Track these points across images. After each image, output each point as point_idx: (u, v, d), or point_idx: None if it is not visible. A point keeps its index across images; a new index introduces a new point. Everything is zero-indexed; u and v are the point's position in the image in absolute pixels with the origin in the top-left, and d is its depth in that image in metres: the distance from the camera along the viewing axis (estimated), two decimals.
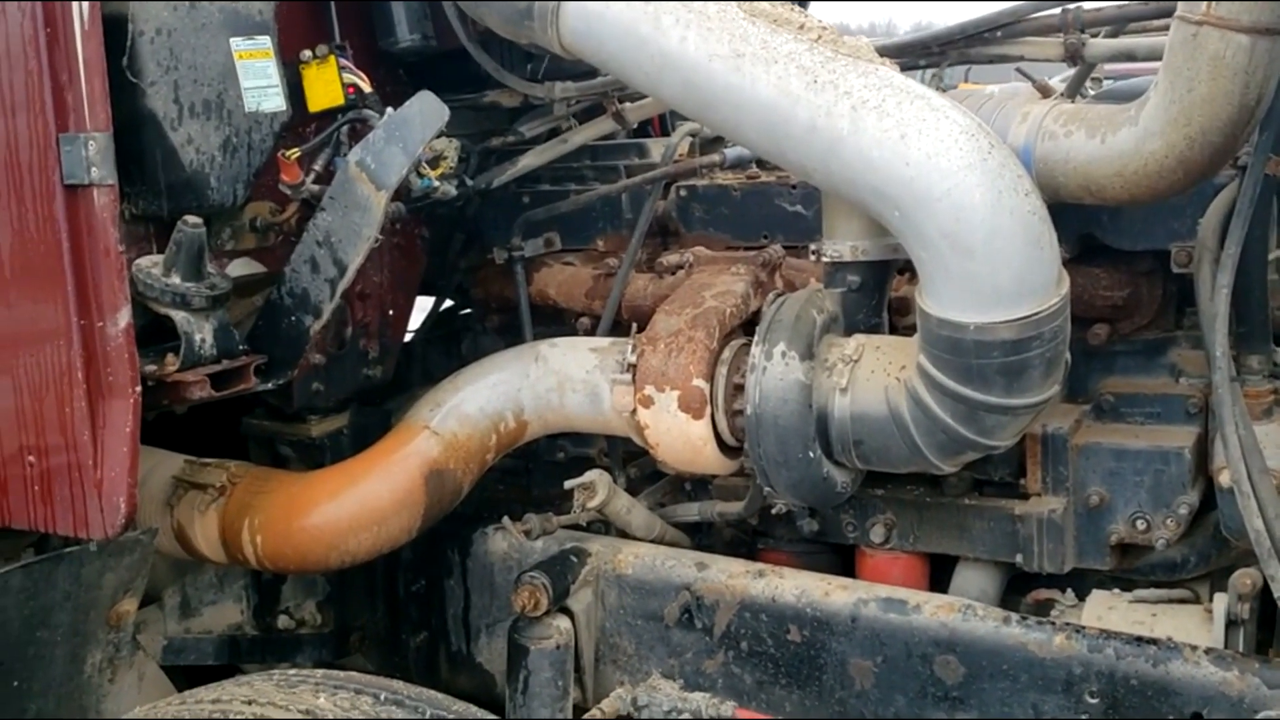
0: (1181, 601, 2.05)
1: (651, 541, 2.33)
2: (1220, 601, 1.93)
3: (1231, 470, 1.75)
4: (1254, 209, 1.74)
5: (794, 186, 2.39)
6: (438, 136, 2.05)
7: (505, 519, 2.22)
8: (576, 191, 2.59)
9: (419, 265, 2.52)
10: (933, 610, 1.99)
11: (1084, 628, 1.90)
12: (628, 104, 2.41)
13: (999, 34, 1.90)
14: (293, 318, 2.05)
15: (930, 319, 1.79)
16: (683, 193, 2.51)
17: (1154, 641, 1.84)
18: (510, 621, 2.19)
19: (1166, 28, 1.74)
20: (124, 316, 1.83)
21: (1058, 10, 1.87)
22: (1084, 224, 2.00)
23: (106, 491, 1.85)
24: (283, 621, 2.50)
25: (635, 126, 2.51)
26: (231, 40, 2.02)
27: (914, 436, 1.88)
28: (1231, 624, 1.92)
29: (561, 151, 2.45)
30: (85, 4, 1.77)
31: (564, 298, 2.58)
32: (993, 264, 1.69)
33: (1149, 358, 2.15)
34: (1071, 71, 1.97)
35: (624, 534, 2.31)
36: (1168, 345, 2.15)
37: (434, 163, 2.17)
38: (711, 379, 2.05)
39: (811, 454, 1.94)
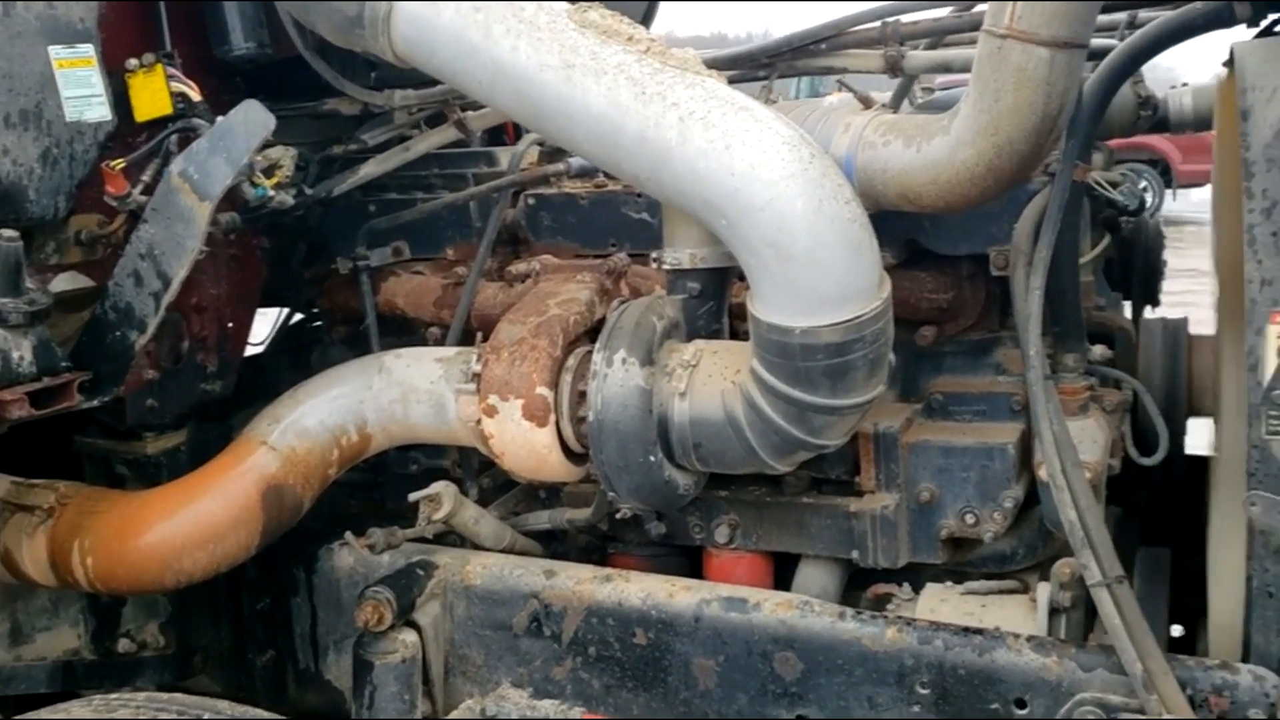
0: (1010, 592, 2.14)
1: (502, 551, 2.33)
2: (1043, 590, 2.01)
3: (1046, 464, 1.83)
4: (1063, 213, 1.83)
5: (640, 195, 2.42)
6: (269, 145, 2.02)
7: (348, 534, 2.19)
8: (424, 200, 2.57)
9: (259, 277, 2.47)
10: (772, 608, 2.03)
11: (914, 620, 1.96)
12: (470, 112, 2.40)
13: (824, 46, 1.96)
14: (117, 333, 1.99)
15: (760, 324, 1.83)
16: (531, 201, 2.52)
17: (980, 631, 1.91)
18: (355, 637, 2.17)
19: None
20: None
21: (877, 24, 1.94)
22: (908, 230, 2.07)
23: None
24: (123, 645, 2.42)
25: (480, 134, 2.50)
26: (50, 49, 1.95)
27: (749, 438, 1.92)
28: (1054, 611, 2.00)
29: (404, 160, 2.44)
30: None
31: (412, 307, 2.56)
32: (815, 270, 1.74)
33: (975, 357, 2.23)
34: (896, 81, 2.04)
35: (476, 545, 2.31)
36: (993, 345, 2.23)
37: (269, 171, 2.13)
38: (556, 386, 2.05)
39: (653, 458, 1.96)
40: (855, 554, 2.15)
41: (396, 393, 2.21)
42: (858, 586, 2.28)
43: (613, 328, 2.00)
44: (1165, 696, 1.71)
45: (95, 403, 1.99)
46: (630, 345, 1.96)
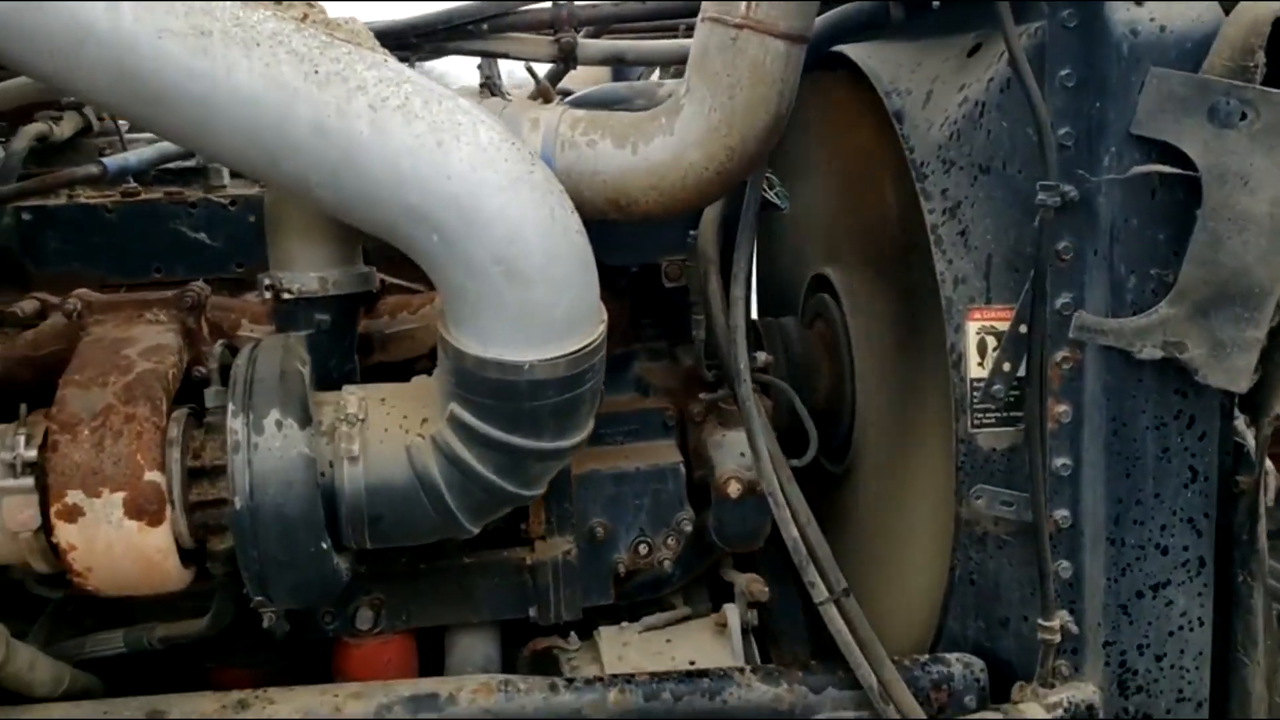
0: (684, 620, 2.01)
1: (60, 698, 1.70)
2: (732, 613, 1.92)
3: (765, 484, 1.72)
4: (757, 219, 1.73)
5: (193, 205, 1.91)
6: None
7: None
8: None
9: None
10: (469, 698, 1.70)
11: (634, 677, 1.75)
12: None
13: (485, 27, 1.65)
14: None
15: (470, 360, 1.49)
16: (27, 216, 1.87)
17: (705, 673, 1.75)
18: None
19: (654, 31, 1.66)
20: None
21: (549, 5, 1.68)
22: None
23: None
24: None
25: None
26: None
27: (447, 500, 1.58)
28: (746, 633, 1.92)
29: None
30: None
31: None
32: (551, 292, 1.46)
33: (616, 374, 2.06)
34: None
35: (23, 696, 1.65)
36: (630, 360, 2.09)
37: None
38: (164, 468, 1.52)
39: (324, 544, 1.53)
40: (533, 612, 1.88)
41: None
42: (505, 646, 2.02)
43: (250, 380, 1.52)
44: (900, 703, 1.69)
45: None
46: (284, 403, 1.51)
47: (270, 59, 1.33)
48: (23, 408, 1.54)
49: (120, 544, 1.49)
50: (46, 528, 1.50)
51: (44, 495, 1.49)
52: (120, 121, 2.15)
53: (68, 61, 1.30)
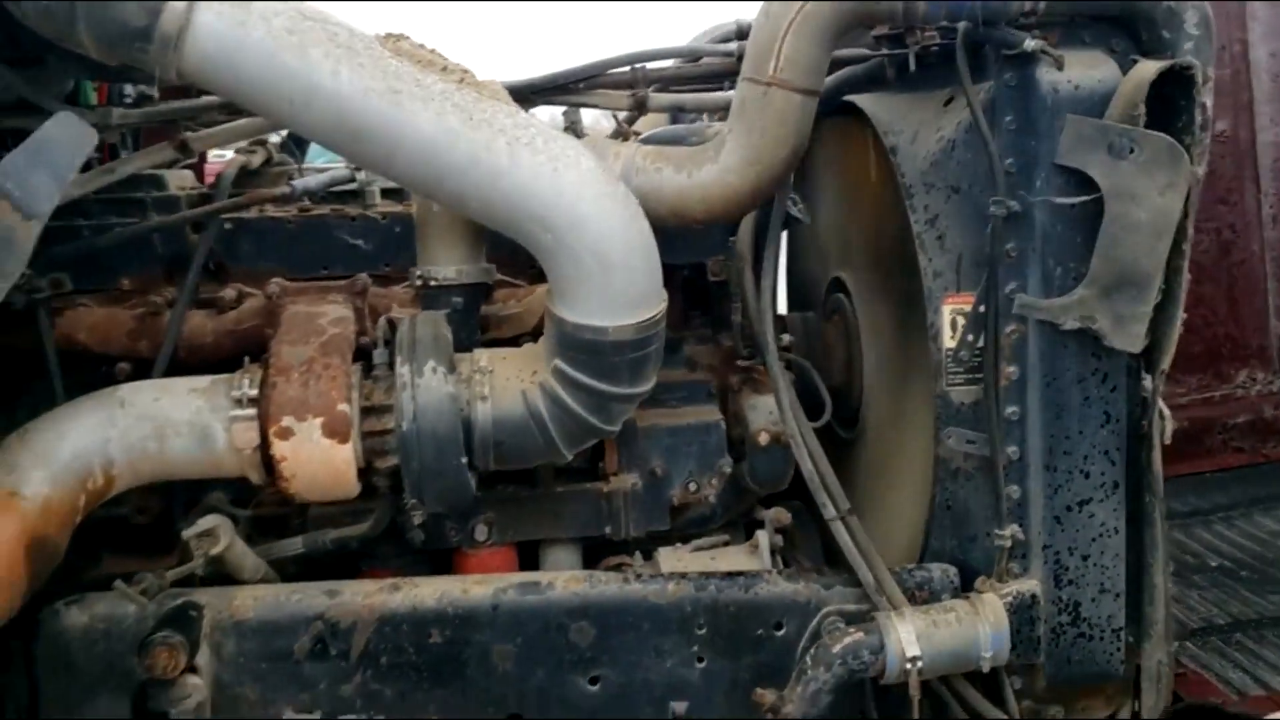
0: (725, 544, 2.56)
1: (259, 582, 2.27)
2: (762, 536, 2.46)
3: (788, 429, 2.27)
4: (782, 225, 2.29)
5: (353, 219, 2.50)
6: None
7: (119, 582, 2.03)
8: (94, 229, 2.40)
9: None
10: (564, 585, 2.25)
11: (686, 574, 2.30)
12: (190, 134, 2.31)
13: (581, 85, 2.24)
14: None
15: (569, 325, 2.05)
16: (229, 226, 2.46)
17: (742, 573, 2.29)
18: (137, 690, 2.01)
19: (706, 86, 2.24)
20: None
21: (627, 69, 2.26)
22: None
23: None
24: None
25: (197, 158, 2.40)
26: None
27: (550, 431, 2.14)
28: (773, 552, 2.45)
29: (105, 181, 2.26)
30: None
31: (99, 342, 2.38)
32: (629, 275, 2.02)
33: (670, 354, 2.61)
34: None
35: (235, 579, 2.23)
36: (680, 343, 2.64)
37: None
38: (350, 403, 2.10)
39: (463, 460, 2.09)
40: (609, 529, 2.44)
41: (148, 428, 2.08)
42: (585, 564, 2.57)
43: (414, 340, 2.10)
44: (892, 597, 2.22)
45: None
46: (437, 355, 2.08)
47: (440, 110, 1.91)
48: (246, 360, 2.12)
49: (318, 457, 2.06)
50: (264, 446, 2.07)
51: (263, 422, 2.07)
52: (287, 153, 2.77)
53: (302, 111, 1.89)
